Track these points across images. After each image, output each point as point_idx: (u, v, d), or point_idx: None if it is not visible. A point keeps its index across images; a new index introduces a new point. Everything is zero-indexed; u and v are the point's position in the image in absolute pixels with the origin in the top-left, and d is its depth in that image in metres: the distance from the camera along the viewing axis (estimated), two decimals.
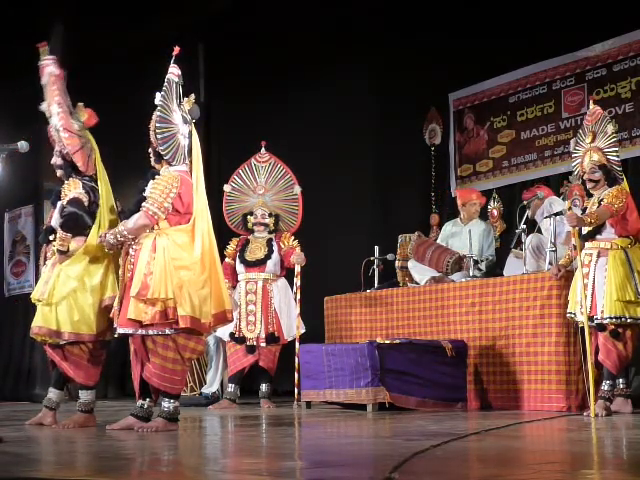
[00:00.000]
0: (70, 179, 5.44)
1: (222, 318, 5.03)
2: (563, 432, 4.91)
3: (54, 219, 5.48)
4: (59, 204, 5.45)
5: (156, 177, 5.01)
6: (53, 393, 5.51)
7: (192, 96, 5.13)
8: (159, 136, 5.00)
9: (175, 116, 5.04)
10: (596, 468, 3.30)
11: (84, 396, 5.35)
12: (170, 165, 5.03)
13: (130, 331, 4.87)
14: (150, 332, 4.84)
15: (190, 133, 5.10)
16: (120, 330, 4.92)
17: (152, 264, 4.83)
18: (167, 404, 4.92)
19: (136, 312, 4.80)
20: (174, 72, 5.09)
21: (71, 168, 5.46)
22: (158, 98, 5.03)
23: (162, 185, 4.93)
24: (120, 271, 5.05)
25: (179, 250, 4.89)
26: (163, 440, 4.49)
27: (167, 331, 4.83)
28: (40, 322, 5.29)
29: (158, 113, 5.02)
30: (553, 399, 6.10)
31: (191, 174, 5.06)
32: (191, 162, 5.09)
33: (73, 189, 5.37)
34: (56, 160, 5.52)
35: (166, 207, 4.91)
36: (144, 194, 5.01)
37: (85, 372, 5.34)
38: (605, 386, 5.65)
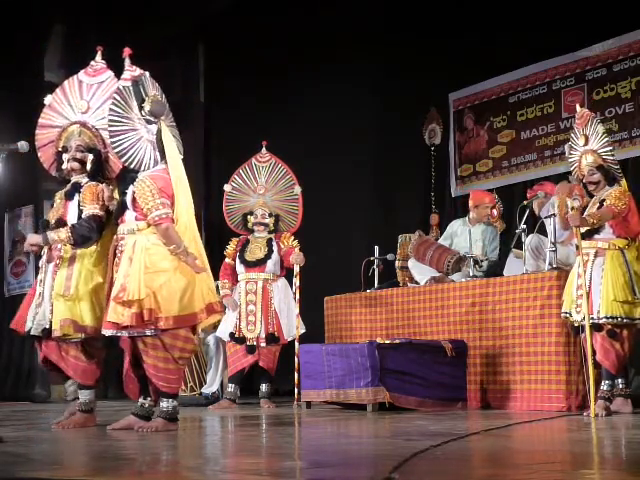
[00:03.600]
0: (99, 184, 5.28)
1: (211, 310, 4.98)
2: (563, 432, 4.90)
3: (71, 215, 5.35)
4: (79, 210, 5.31)
5: (134, 188, 4.88)
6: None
7: (153, 93, 4.92)
8: (115, 150, 4.88)
9: (135, 122, 4.86)
10: (596, 468, 3.29)
11: (83, 396, 5.33)
12: (140, 171, 4.90)
13: (113, 333, 4.88)
14: (131, 333, 4.83)
15: (159, 131, 4.92)
16: (103, 332, 4.93)
17: (130, 266, 4.81)
18: (166, 404, 4.92)
19: (115, 315, 4.80)
20: (126, 76, 4.89)
21: (98, 167, 5.33)
22: (106, 112, 4.85)
23: (143, 192, 4.81)
24: (107, 272, 5.03)
25: (158, 251, 4.84)
26: (163, 440, 4.49)
27: (147, 332, 4.82)
28: (67, 314, 5.18)
29: (108, 128, 4.86)
30: (553, 399, 6.10)
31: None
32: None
33: (94, 202, 5.24)
34: (77, 154, 5.31)
35: (163, 202, 4.79)
36: (124, 197, 4.96)
37: (82, 371, 5.33)
38: (604, 386, 5.64)
